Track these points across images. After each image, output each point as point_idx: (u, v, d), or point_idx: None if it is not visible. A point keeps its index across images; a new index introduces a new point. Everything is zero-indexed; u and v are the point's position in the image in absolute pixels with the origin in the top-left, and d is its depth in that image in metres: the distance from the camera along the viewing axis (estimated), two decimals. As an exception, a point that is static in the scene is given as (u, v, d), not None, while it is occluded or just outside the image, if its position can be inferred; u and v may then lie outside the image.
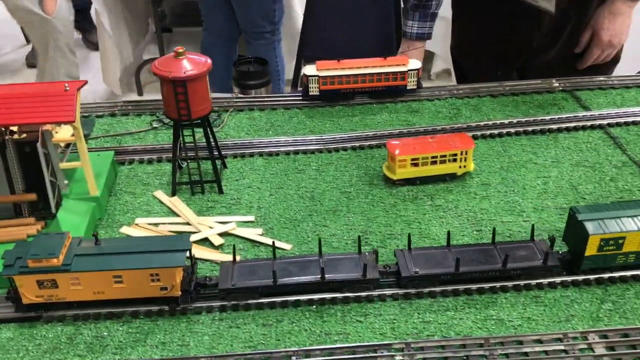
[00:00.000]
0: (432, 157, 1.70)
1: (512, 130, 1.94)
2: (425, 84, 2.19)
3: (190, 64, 1.56)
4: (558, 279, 1.38)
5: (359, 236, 1.42)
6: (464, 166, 1.73)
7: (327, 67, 2.08)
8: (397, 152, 1.69)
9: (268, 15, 3.72)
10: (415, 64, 2.10)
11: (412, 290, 1.37)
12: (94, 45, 5.19)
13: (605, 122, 1.95)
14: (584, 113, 2.00)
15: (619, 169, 1.75)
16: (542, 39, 2.45)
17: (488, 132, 1.94)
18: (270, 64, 3.90)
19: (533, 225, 1.43)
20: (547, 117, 1.98)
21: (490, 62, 2.60)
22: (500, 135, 1.93)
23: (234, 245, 1.43)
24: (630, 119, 1.96)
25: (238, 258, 1.41)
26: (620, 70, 4.53)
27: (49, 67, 3.84)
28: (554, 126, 1.94)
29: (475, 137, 1.92)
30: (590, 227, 1.33)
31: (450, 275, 1.36)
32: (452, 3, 2.67)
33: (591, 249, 1.34)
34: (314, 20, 3.46)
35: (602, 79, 2.20)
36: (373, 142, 1.91)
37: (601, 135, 1.91)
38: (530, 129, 1.94)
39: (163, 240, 1.38)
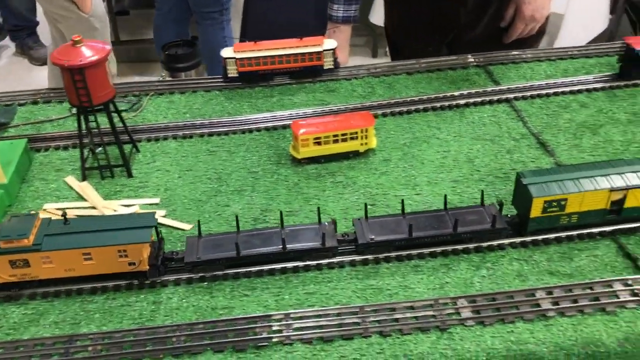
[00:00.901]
0: (334, 136, 1.75)
1: (421, 106, 1.99)
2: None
3: (88, 51, 1.60)
4: (439, 249, 1.45)
5: (318, 208, 1.48)
6: (366, 143, 1.78)
7: (245, 48, 2.12)
8: (299, 131, 1.74)
9: None
10: (330, 43, 2.14)
11: (300, 264, 1.44)
12: (39, 62, 5.09)
13: (511, 95, 2.01)
14: (493, 87, 2.06)
15: (517, 142, 1.82)
16: (468, 15, 2.50)
17: (397, 109, 1.99)
18: (219, 44, 3.93)
19: (482, 191, 1.50)
20: (457, 93, 2.04)
21: (420, 38, 2.65)
22: (408, 112, 1.99)
23: (198, 221, 1.48)
24: (535, 92, 2.02)
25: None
26: (568, 41, 4.59)
27: None
28: (462, 101, 2.00)
29: (384, 115, 1.98)
30: (533, 190, 1.40)
31: (404, 241, 1.44)
32: (382, -19, 2.71)
33: (536, 211, 1.42)
34: (255, 1, 3.49)
35: (516, 53, 2.25)
36: (287, 123, 1.96)
37: (506, 108, 1.97)
38: (438, 104, 2.00)
39: (129, 218, 1.46)
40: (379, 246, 1.44)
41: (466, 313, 1.30)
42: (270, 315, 1.31)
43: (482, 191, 1.51)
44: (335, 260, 1.44)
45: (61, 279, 1.39)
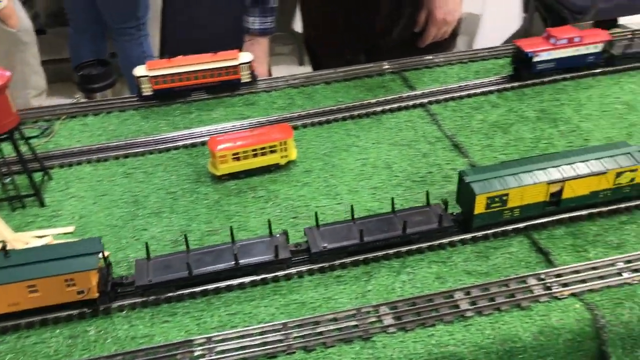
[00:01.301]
0: (253, 150, 1.74)
1: (340, 115, 2.01)
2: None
3: (-14, 78, 1.52)
4: (361, 257, 1.46)
5: (269, 220, 1.47)
6: (286, 156, 1.78)
7: (158, 66, 2.08)
8: (217, 148, 1.72)
9: (131, 11, 3.64)
10: (246, 56, 2.13)
11: (222, 285, 1.42)
12: None
13: (426, 100, 2.06)
14: (408, 93, 2.09)
15: (433, 145, 1.86)
16: (383, 21, 2.54)
17: (317, 119, 2.00)
18: (138, 60, 3.84)
19: (427, 191, 1.53)
20: (374, 100, 2.06)
21: (337, 47, 2.67)
22: (328, 121, 2.00)
23: (146, 243, 1.44)
24: (449, 95, 2.07)
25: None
26: (486, 41, 4.74)
27: (15, 81, 3.56)
28: (379, 108, 2.03)
29: (305, 125, 1.99)
30: (476, 187, 1.44)
31: (357, 246, 1.44)
32: (298, -9, 2.72)
33: (479, 208, 1.45)
34: (173, 14, 3.43)
35: (429, 57, 2.31)
36: (206, 139, 1.93)
37: (421, 113, 2.01)
38: (356, 113, 2.01)
39: (74, 245, 1.41)
40: (332, 253, 1.45)
41: (388, 320, 1.31)
42: (191, 340, 1.28)
43: (427, 191, 1.54)
44: (258, 277, 1.43)
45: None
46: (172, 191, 1.73)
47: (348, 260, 1.46)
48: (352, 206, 1.50)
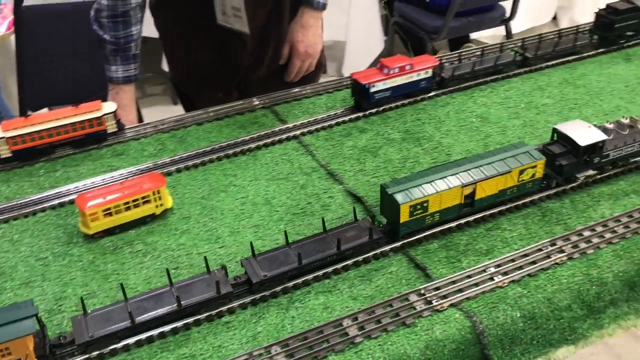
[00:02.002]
0: (125, 204, 1.68)
1: (214, 156, 1.99)
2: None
3: None
4: (247, 299, 1.45)
5: (205, 257, 1.44)
6: (161, 205, 1.74)
7: (14, 126, 1.96)
8: (86, 205, 1.64)
9: None
10: (110, 106, 2.06)
11: (106, 350, 1.34)
12: None
13: (298, 132, 2.10)
14: (280, 127, 2.12)
15: (309, 175, 1.89)
16: (250, 57, 2.57)
17: (191, 162, 1.97)
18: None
19: (354, 207, 1.59)
20: (247, 137, 2.07)
21: (207, 86, 2.66)
22: (203, 163, 1.98)
23: (81, 298, 1.35)
24: (319, 125, 2.12)
25: None
26: (353, 66, 4.95)
27: None
28: (253, 145, 2.04)
29: (179, 170, 1.95)
30: (399, 197, 1.50)
31: (296, 270, 1.46)
32: (159, 34, 2.68)
33: (404, 216, 1.52)
34: (30, 67, 3.27)
35: (297, 90, 2.36)
36: (74, 197, 1.84)
37: (295, 145, 2.05)
38: (231, 151, 2.01)
39: (2, 311, 1.29)
40: (273, 281, 1.45)
41: (280, 359, 1.31)
42: (76, 416, 1.21)
43: (354, 207, 1.59)
44: (143, 336, 1.37)
45: None
46: (43, 257, 1.63)
47: (235, 304, 1.44)
48: (285, 232, 1.53)
